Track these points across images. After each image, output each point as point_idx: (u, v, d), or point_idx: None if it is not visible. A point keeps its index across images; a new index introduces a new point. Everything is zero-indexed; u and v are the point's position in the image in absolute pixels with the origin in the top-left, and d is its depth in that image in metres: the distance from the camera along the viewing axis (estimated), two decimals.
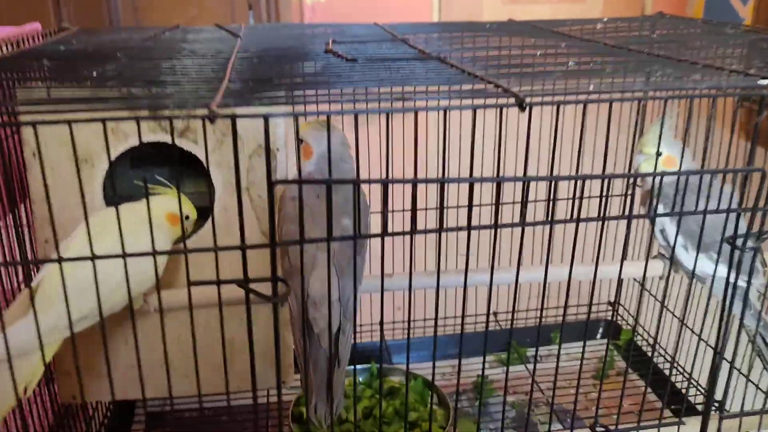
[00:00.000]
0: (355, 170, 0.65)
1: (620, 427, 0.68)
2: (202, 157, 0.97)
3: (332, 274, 0.76)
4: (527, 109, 0.54)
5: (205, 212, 0.99)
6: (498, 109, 0.55)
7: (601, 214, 0.59)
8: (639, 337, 1.52)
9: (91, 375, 1.03)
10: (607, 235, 0.69)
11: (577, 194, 0.58)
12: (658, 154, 0.94)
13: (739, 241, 0.62)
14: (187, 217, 0.95)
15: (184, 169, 1.13)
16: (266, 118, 0.53)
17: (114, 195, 0.97)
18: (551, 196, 0.57)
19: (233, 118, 0.52)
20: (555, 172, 0.57)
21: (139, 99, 0.57)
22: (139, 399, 1.32)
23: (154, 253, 0.56)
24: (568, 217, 0.59)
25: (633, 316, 1.57)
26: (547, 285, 0.69)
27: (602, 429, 0.66)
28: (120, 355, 1.02)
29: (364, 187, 0.71)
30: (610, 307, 1.62)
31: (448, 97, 0.56)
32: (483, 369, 0.81)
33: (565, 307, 0.72)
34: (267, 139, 0.53)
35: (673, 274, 1.06)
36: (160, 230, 0.89)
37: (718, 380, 0.78)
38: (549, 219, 0.57)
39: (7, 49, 0.92)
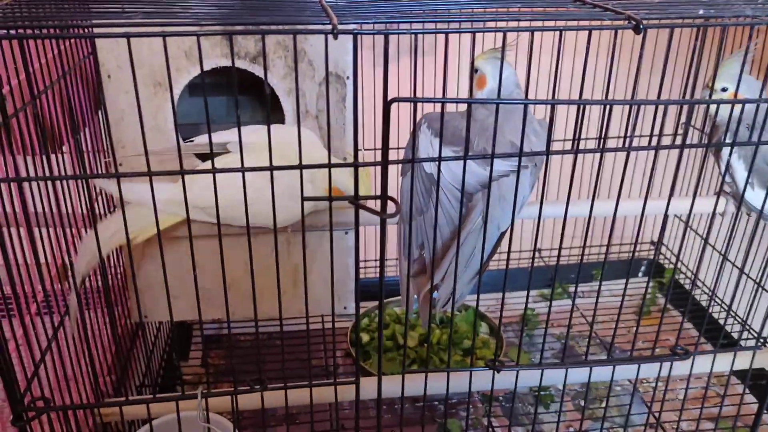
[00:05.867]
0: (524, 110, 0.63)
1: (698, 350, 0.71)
2: (274, 84, 0.97)
3: None
4: (643, 31, 0.54)
5: None
6: (613, 32, 0.55)
7: (653, 143, 0.59)
8: (681, 275, 1.55)
9: (162, 295, 1.07)
10: (655, 169, 0.68)
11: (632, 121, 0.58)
12: (724, 89, 0.94)
13: None
14: None
15: (244, 99, 1.14)
16: (386, 35, 0.54)
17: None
18: (604, 119, 0.58)
19: (354, 35, 0.53)
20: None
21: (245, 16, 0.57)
22: (198, 321, 1.36)
23: (330, 166, 0.59)
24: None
25: (675, 254, 1.59)
26: (592, 221, 0.68)
27: (682, 350, 0.68)
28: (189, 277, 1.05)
29: None
30: (651, 247, 1.64)
31: (564, 19, 0.56)
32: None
33: (609, 240, 0.72)
34: (386, 53, 0.53)
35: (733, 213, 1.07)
36: None
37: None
38: (600, 148, 0.58)
39: None
